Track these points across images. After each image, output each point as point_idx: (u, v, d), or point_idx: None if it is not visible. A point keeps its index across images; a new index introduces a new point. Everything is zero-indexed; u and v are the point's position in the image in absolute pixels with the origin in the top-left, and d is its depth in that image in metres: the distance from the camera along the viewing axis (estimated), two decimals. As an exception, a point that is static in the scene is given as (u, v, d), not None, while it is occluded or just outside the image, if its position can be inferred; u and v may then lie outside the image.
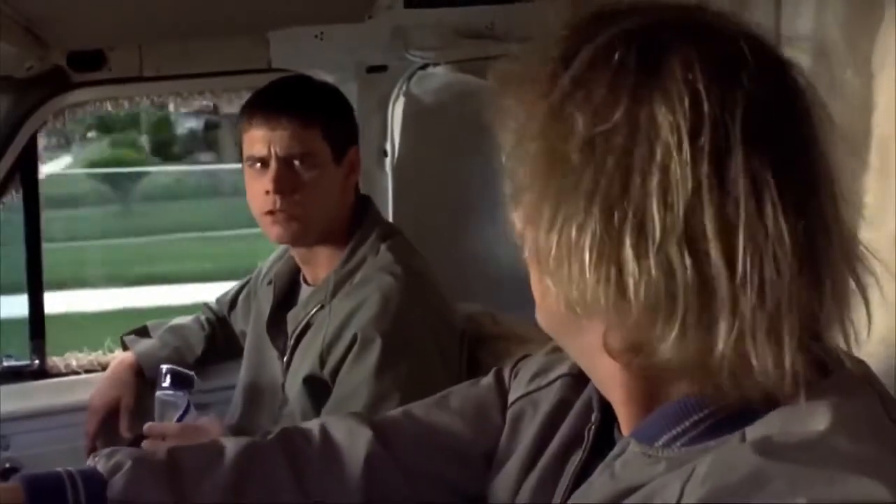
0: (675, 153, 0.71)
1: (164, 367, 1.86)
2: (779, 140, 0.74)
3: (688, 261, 0.71)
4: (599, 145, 0.74)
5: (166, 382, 1.82)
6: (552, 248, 0.76)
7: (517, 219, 0.83)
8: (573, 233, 0.74)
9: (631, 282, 0.72)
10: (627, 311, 0.74)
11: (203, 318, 2.22)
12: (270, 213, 1.76)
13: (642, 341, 0.76)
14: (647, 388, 0.82)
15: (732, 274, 0.71)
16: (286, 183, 1.75)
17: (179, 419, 1.78)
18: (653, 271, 0.72)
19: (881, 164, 1.15)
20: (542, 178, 0.77)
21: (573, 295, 0.76)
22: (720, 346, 0.72)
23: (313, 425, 1.16)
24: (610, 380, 0.85)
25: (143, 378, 2.07)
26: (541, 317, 0.88)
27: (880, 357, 1.08)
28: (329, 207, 1.80)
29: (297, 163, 1.75)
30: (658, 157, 0.72)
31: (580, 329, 0.82)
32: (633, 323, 0.74)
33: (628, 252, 0.72)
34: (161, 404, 1.81)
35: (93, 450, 1.95)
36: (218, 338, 2.20)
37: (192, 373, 1.87)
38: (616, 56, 0.75)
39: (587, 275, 0.74)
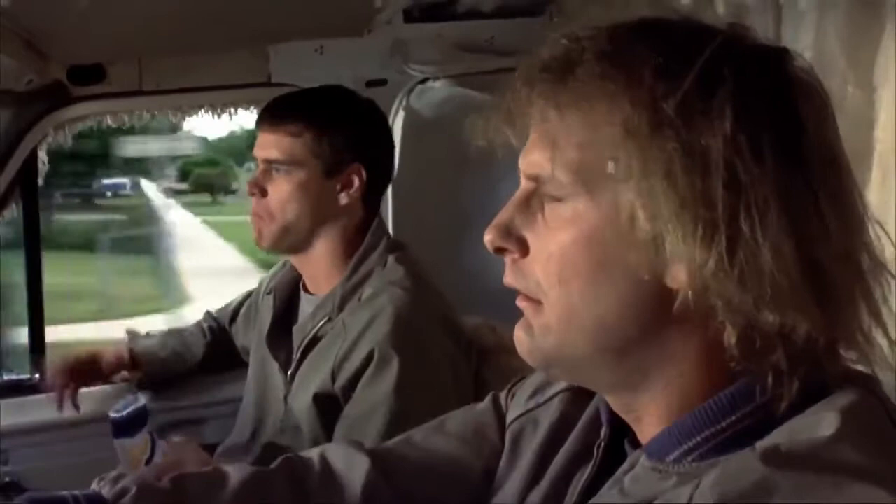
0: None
1: (111, 415, 1.82)
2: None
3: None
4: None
5: (119, 433, 1.76)
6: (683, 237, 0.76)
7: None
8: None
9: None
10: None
11: (205, 325, 2.22)
12: (253, 216, 1.81)
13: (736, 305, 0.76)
14: (692, 371, 0.81)
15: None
16: (259, 186, 1.79)
17: (148, 462, 1.71)
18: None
19: (882, 178, 1.15)
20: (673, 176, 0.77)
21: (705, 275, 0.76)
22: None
23: (314, 454, 1.16)
24: (653, 373, 0.83)
25: (134, 364, 2.10)
26: (581, 339, 0.84)
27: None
28: (306, 218, 1.80)
29: (275, 167, 1.79)
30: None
31: (660, 320, 0.81)
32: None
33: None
34: (124, 452, 1.75)
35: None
36: (219, 346, 2.20)
37: (141, 404, 1.80)
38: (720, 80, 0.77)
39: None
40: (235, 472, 1.10)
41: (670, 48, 0.79)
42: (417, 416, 1.24)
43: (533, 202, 0.85)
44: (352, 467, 1.11)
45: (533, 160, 0.84)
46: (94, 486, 1.05)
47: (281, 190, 1.78)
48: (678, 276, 0.77)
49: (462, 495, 1.10)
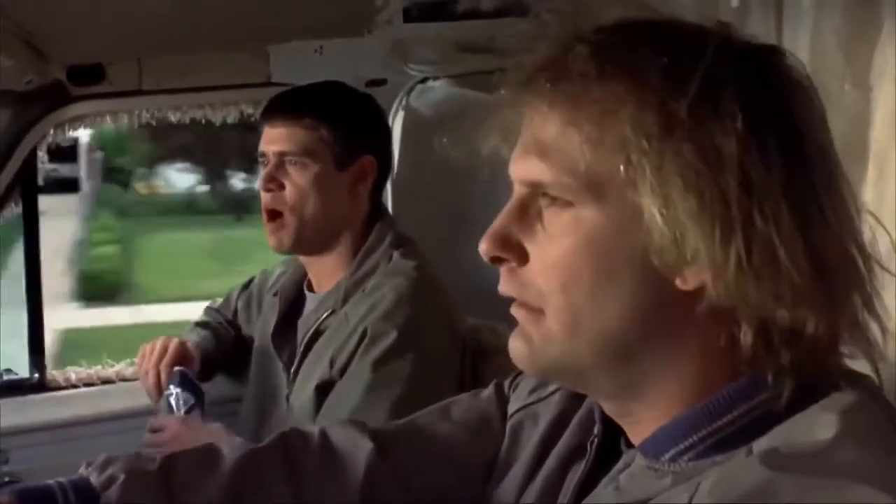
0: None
1: (177, 368, 1.84)
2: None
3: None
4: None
5: (175, 382, 1.80)
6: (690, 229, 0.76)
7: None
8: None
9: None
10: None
11: (223, 320, 2.16)
12: (269, 220, 1.80)
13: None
14: (695, 379, 0.81)
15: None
16: (275, 181, 1.79)
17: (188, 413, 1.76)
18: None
19: (879, 176, 1.15)
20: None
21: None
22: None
23: (314, 431, 1.16)
24: (655, 381, 0.82)
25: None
26: (585, 348, 0.82)
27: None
28: (324, 212, 1.81)
29: (288, 160, 1.79)
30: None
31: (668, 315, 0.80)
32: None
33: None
34: (168, 405, 1.79)
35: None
36: (239, 339, 2.14)
37: (202, 386, 1.84)
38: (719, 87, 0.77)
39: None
40: (229, 450, 1.09)
41: (671, 49, 0.78)
42: (399, 393, 1.22)
43: (530, 209, 0.84)
44: (355, 449, 1.11)
45: (530, 166, 0.83)
46: (82, 471, 1.04)
47: (299, 182, 1.79)
48: (694, 278, 0.77)
49: (463, 484, 1.10)
